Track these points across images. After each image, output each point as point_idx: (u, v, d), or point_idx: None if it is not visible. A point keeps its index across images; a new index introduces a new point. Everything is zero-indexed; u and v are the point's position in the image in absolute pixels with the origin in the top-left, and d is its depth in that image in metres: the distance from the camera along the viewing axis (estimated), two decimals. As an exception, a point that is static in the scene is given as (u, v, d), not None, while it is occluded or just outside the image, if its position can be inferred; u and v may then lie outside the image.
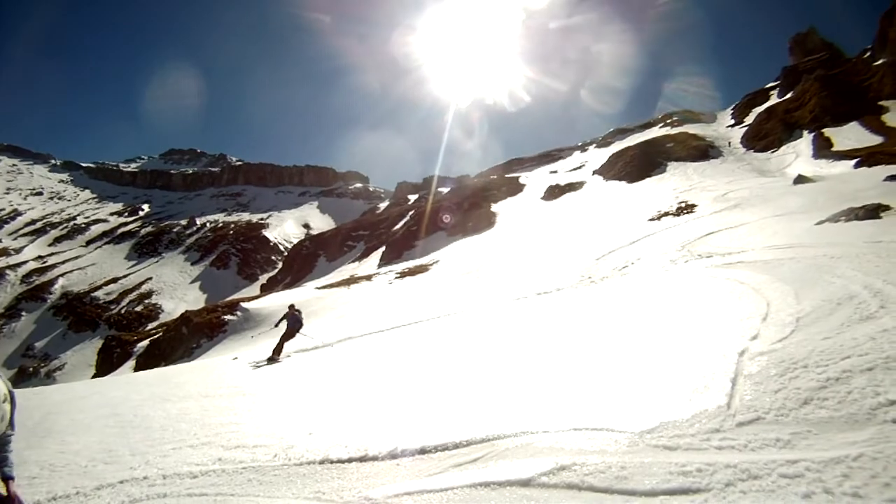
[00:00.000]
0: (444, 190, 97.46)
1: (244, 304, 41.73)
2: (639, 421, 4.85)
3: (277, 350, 16.84)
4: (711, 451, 4.15)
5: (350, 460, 5.79)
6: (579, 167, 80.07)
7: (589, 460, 4.26)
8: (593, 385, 6.34)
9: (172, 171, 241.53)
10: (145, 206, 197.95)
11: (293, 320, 17.93)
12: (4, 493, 4.01)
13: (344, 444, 6.24)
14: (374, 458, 5.67)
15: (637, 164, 62.91)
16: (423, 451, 5.50)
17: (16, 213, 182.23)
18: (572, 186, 66.12)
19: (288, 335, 17.82)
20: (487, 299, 20.20)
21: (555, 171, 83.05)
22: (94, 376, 46.90)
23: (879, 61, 65.60)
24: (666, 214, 31.24)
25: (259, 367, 15.50)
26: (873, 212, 16.12)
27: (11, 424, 4.27)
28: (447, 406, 7.02)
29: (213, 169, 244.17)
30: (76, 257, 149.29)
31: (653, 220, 30.55)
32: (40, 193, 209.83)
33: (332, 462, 5.86)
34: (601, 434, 4.77)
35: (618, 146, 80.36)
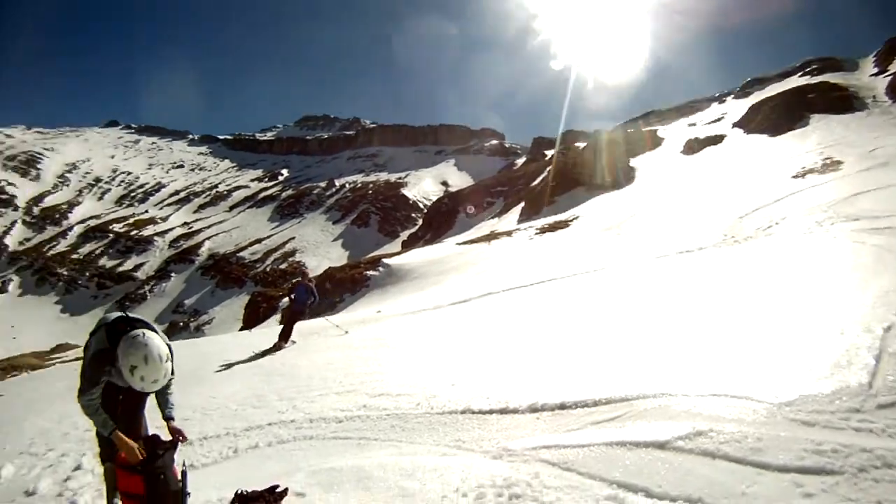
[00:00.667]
0: (581, 145, 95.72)
1: (386, 260, 42.72)
2: (778, 392, 4.73)
3: (284, 335, 14.29)
4: (849, 431, 4.02)
5: (491, 412, 5.96)
6: (718, 119, 76.17)
7: (726, 428, 4.22)
8: (732, 351, 6.17)
9: (308, 137, 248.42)
10: (284, 171, 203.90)
11: (303, 294, 14.83)
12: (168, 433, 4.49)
13: (485, 396, 6.41)
14: (515, 411, 5.81)
15: (778, 117, 59.13)
16: (562, 407, 5.58)
17: (160, 186, 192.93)
18: (712, 140, 62.79)
19: (294, 317, 15.16)
20: (627, 257, 19.84)
21: (693, 124, 79.25)
22: (241, 330, 49.17)
23: None
24: (810, 171, 29.51)
25: (401, 319, 15.77)
26: None
27: (173, 371, 4.70)
28: (586, 363, 7.03)
29: (347, 132, 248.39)
30: (220, 221, 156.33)
31: (796, 177, 28.93)
32: (182, 166, 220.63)
33: (473, 412, 6.06)
34: (739, 402, 4.69)
35: (756, 97, 76.08)
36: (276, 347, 13.90)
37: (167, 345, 4.54)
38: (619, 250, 22.71)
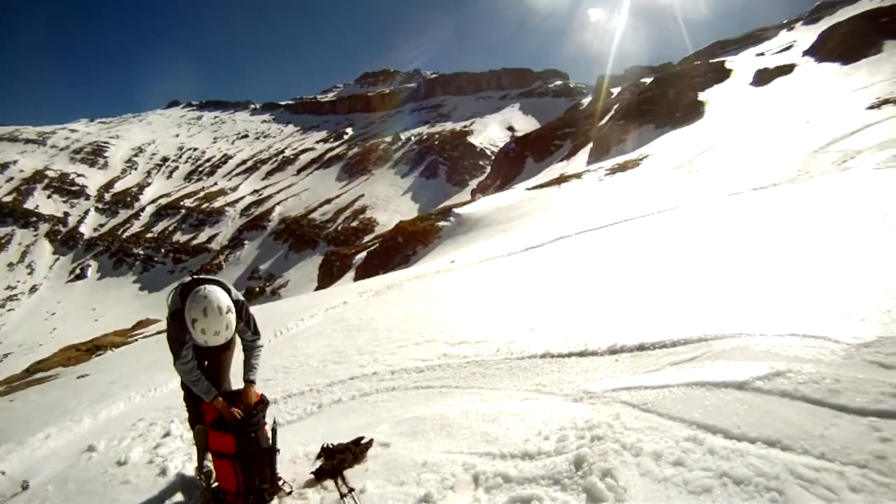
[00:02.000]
0: (647, 80, 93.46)
1: (456, 210, 42.99)
2: (857, 333, 4.58)
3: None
4: None
5: (570, 355, 5.97)
6: (788, 48, 73.45)
7: (804, 369, 4.15)
8: (810, 291, 6.01)
9: (370, 94, 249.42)
10: (349, 130, 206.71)
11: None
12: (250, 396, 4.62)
13: (564, 340, 6.42)
14: (594, 353, 5.81)
15: (850, 43, 56.50)
16: (641, 348, 5.56)
17: (226, 158, 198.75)
18: (782, 70, 60.52)
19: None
20: (700, 195, 19.45)
21: (762, 54, 76.68)
22: (317, 289, 50.01)
23: None
24: (887, 102, 28.36)
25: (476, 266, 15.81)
26: None
27: (256, 332, 4.91)
28: (664, 305, 6.97)
29: (409, 85, 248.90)
30: (289, 186, 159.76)
31: (872, 108, 27.62)
32: (246, 136, 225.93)
33: (552, 356, 6.07)
34: (817, 342, 4.58)
35: (827, 22, 73.07)
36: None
37: (237, 300, 4.69)
38: (690, 188, 22.31)
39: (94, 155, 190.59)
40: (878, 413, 3.45)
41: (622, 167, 41.40)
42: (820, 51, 61.08)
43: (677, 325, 5.85)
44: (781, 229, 10.17)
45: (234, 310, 4.51)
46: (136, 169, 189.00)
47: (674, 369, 4.87)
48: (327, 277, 56.12)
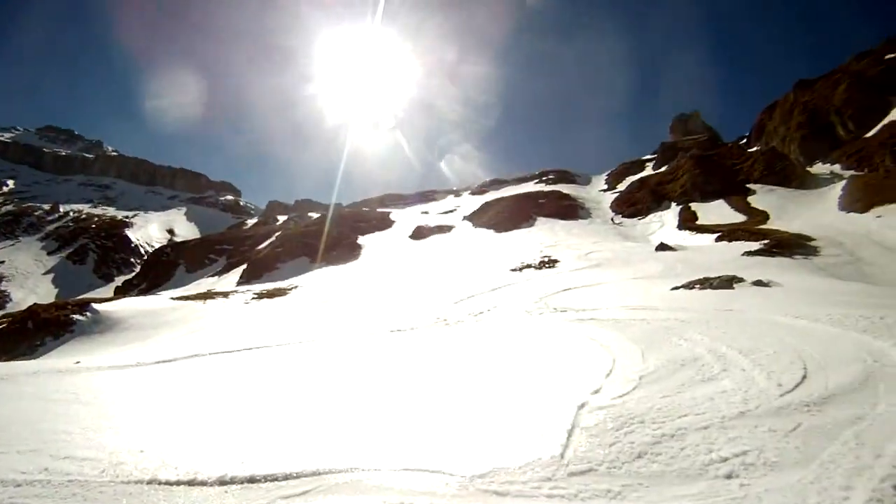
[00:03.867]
0: (314, 215, 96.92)
1: (95, 305, 39.74)
2: (471, 465, 4.95)
3: None
4: (541, 498, 4.30)
5: (179, 483, 5.58)
6: (451, 211, 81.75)
7: (417, 501, 4.31)
8: (430, 427, 6.40)
9: (45, 150, 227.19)
10: (10, 182, 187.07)
11: None
12: None
13: (174, 466, 6.01)
14: (203, 483, 5.50)
15: (507, 215, 65.26)
16: (252, 480, 5.40)
17: None
18: (441, 229, 67.59)
19: None
20: (341, 331, 19.99)
21: (426, 212, 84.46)
22: None
23: (753, 148, 71.76)
24: (528, 266, 32.11)
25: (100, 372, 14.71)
26: (727, 282, 17.18)
27: None
28: (282, 435, 6.90)
29: (87, 155, 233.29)
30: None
31: (515, 270, 31.33)
32: None
33: (160, 483, 5.63)
34: (432, 476, 4.83)
35: (492, 195, 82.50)
36: None
37: None
38: (333, 324, 22.96)
39: None
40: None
41: (270, 294, 41.76)
42: (479, 217, 69.08)
43: (292, 457, 5.85)
44: (409, 369, 10.79)
45: None
46: None
47: (284, 502, 4.84)
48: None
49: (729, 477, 4.36)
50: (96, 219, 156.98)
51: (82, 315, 37.03)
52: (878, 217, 36.82)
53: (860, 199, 41.85)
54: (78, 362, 19.07)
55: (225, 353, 17.19)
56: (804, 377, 6.57)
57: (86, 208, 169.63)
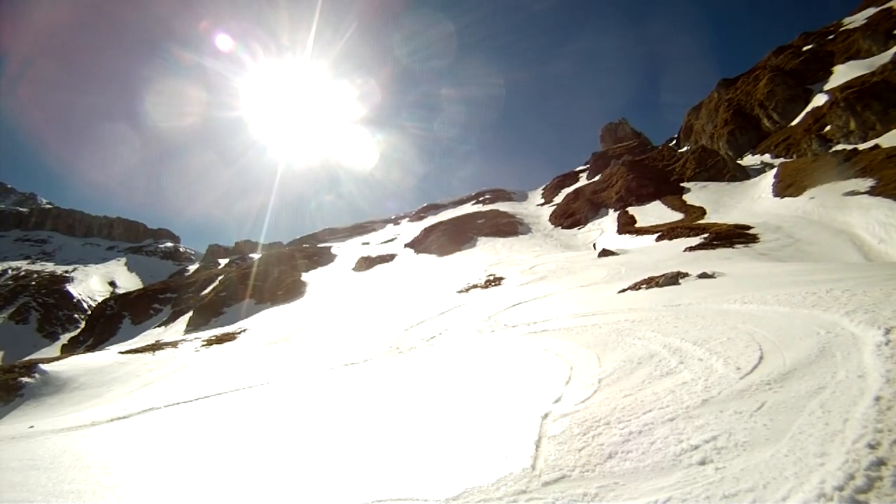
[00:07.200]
0: (256, 256, 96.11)
1: (43, 366, 38.56)
2: (444, 489, 4.89)
3: None
4: None
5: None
6: (392, 240, 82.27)
7: None
8: (398, 456, 6.30)
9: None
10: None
11: None
12: None
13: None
14: None
15: (448, 239, 65.78)
16: None
17: None
18: (384, 258, 67.95)
19: None
20: (293, 371, 19.73)
21: (367, 243, 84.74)
22: None
23: (683, 148, 73.91)
24: (474, 287, 32.20)
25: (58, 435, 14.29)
26: (673, 279, 17.46)
27: None
28: (247, 483, 6.67)
29: (21, 209, 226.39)
30: None
31: (461, 292, 31.40)
32: None
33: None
34: (404, 503, 4.78)
35: (431, 220, 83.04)
36: None
37: None
38: (285, 364, 22.72)
39: None
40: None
41: (219, 339, 41.17)
42: (420, 244, 69.71)
43: (260, 496, 5.81)
44: (368, 401, 10.69)
45: None
46: None
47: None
48: None
49: (703, 463, 4.35)
50: (35, 275, 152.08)
51: (30, 377, 35.83)
52: (812, 198, 38.31)
53: (793, 184, 43.56)
54: (32, 427, 18.48)
55: (180, 403, 16.92)
56: (761, 358, 6.64)
57: (24, 265, 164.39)
